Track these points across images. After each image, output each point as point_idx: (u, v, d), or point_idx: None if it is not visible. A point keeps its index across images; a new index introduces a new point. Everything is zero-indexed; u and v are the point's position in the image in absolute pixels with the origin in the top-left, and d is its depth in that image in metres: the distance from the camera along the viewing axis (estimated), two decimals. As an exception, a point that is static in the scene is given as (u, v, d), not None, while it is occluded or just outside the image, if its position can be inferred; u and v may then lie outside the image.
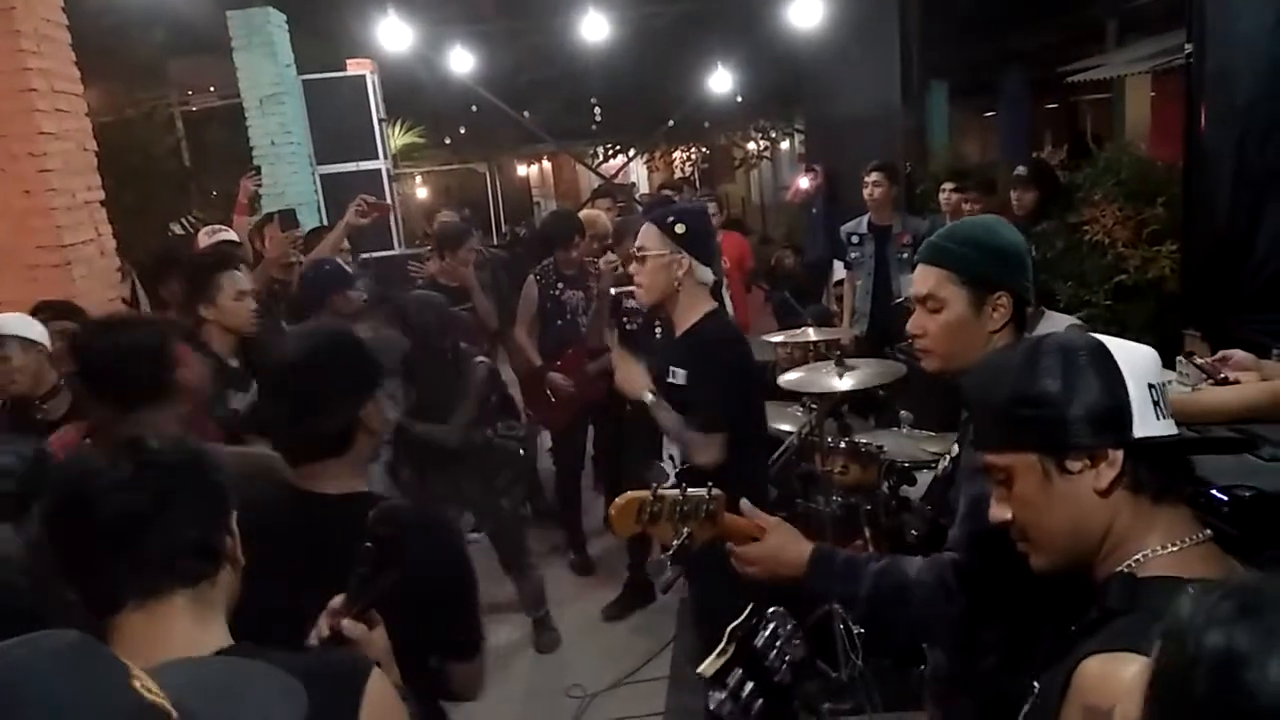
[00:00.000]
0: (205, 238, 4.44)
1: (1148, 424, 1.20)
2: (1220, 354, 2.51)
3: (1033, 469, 1.25)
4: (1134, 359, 1.24)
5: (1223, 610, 0.74)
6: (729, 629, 1.83)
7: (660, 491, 1.80)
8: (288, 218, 4.79)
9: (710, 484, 1.85)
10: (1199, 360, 2.44)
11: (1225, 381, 2.34)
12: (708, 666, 1.81)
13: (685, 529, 1.78)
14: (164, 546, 1.20)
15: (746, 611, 1.86)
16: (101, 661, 0.80)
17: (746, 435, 2.75)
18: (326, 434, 1.73)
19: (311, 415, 1.71)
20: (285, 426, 1.75)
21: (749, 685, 1.82)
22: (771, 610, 1.87)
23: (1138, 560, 1.18)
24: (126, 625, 1.19)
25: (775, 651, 1.82)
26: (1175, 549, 1.18)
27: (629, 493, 1.82)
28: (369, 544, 1.41)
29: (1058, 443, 1.22)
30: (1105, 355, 1.23)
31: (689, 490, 1.81)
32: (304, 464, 1.75)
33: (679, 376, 2.79)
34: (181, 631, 1.20)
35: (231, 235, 4.47)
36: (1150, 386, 1.22)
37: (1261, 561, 1.22)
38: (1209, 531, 1.21)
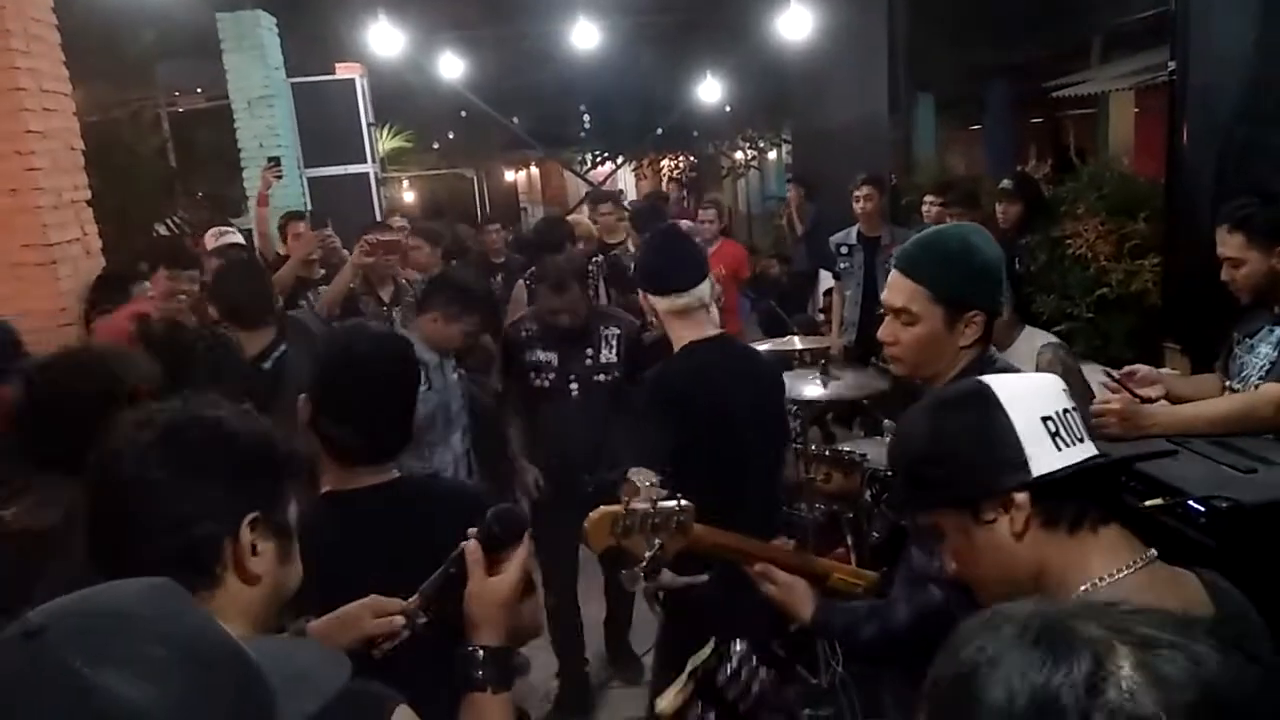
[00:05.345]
0: (212, 240, 4.43)
1: (1046, 459, 1.21)
2: (1126, 369, 2.60)
3: (954, 524, 1.27)
4: (1023, 397, 1.24)
5: (972, 629, 0.77)
6: (689, 666, 1.84)
7: (632, 505, 1.82)
8: (320, 217, 4.77)
9: (680, 497, 1.88)
10: (1103, 380, 2.59)
11: (1144, 399, 2.46)
12: (667, 704, 1.82)
13: (657, 540, 1.81)
14: (148, 547, 1.09)
15: (709, 647, 1.87)
16: (193, 603, 0.85)
17: (701, 475, 2.34)
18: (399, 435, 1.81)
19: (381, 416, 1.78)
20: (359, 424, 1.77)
21: (711, 717, 1.83)
22: (735, 645, 1.88)
23: (1084, 590, 1.18)
24: None
25: (739, 686, 1.84)
26: (1118, 576, 1.18)
27: (602, 508, 1.85)
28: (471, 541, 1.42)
29: (965, 496, 1.24)
30: (990, 402, 1.24)
31: (659, 503, 1.84)
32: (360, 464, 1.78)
33: None
34: None
35: (238, 238, 4.46)
36: (1045, 420, 1.22)
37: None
38: (1153, 552, 1.21)
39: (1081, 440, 1.24)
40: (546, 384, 3.81)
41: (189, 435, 1.14)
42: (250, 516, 1.14)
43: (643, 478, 2.33)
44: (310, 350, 3.26)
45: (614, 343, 3.84)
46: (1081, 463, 1.22)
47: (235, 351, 3.33)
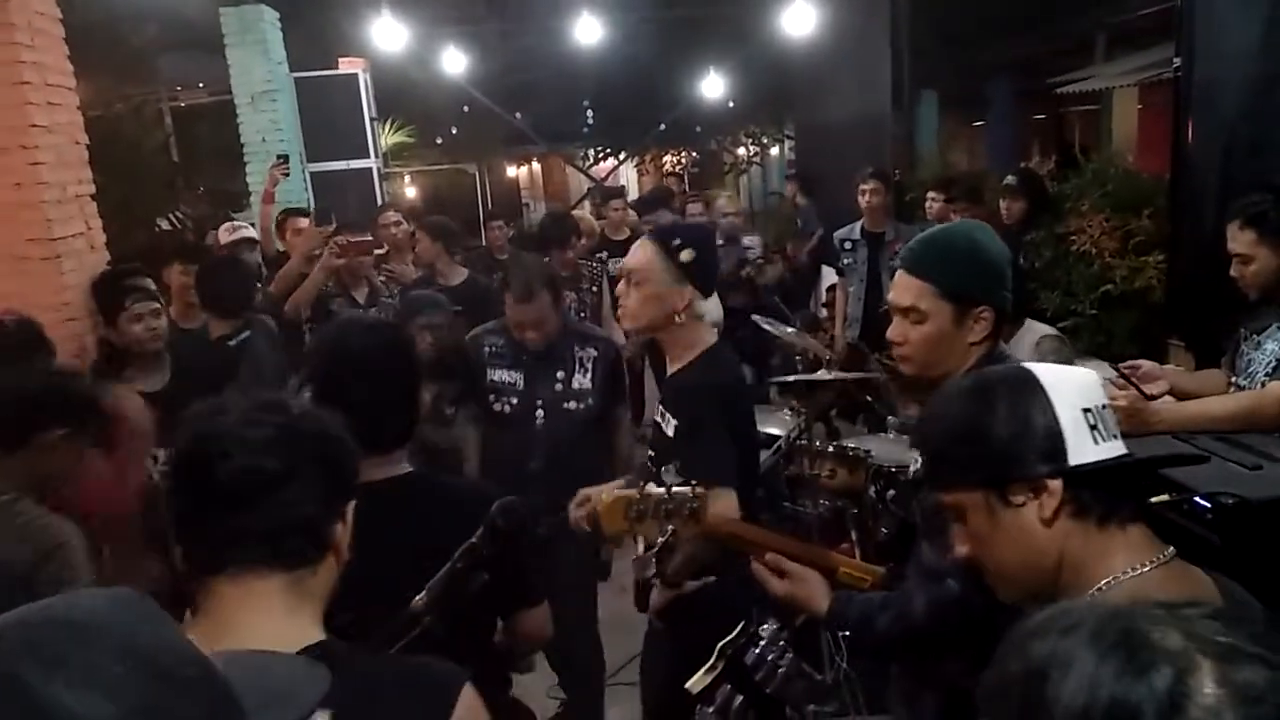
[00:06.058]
0: (225, 234, 4.44)
1: (1084, 450, 1.21)
2: (1129, 363, 2.61)
3: (979, 505, 1.26)
4: (1065, 386, 1.24)
5: (1042, 626, 0.76)
6: (719, 646, 1.85)
7: (646, 490, 1.82)
8: (324, 213, 4.78)
9: (694, 483, 1.87)
10: (1109, 375, 2.57)
11: (1150, 395, 2.44)
12: (696, 683, 1.83)
13: (670, 526, 1.81)
14: (274, 520, 1.16)
15: (737, 629, 1.87)
16: (159, 612, 0.83)
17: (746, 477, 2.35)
18: (401, 424, 1.82)
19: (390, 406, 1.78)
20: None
21: (739, 699, 1.84)
22: (764, 627, 1.89)
23: (1106, 584, 1.18)
24: (217, 593, 1.15)
25: (766, 667, 1.84)
26: (1142, 571, 1.18)
27: (616, 492, 1.84)
28: (475, 541, 1.45)
29: (998, 477, 1.24)
30: (1034, 387, 1.24)
31: (674, 489, 1.83)
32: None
33: (669, 424, 2.38)
34: (269, 614, 1.14)
35: (252, 233, 4.47)
36: (1085, 411, 1.23)
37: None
38: (1172, 549, 1.22)
39: (1115, 437, 1.24)
40: (508, 409, 3.28)
41: (307, 430, 1.24)
42: (352, 503, 1.27)
43: (728, 498, 2.17)
44: (268, 339, 3.90)
45: (590, 366, 3.30)
46: (1118, 458, 1.23)
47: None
